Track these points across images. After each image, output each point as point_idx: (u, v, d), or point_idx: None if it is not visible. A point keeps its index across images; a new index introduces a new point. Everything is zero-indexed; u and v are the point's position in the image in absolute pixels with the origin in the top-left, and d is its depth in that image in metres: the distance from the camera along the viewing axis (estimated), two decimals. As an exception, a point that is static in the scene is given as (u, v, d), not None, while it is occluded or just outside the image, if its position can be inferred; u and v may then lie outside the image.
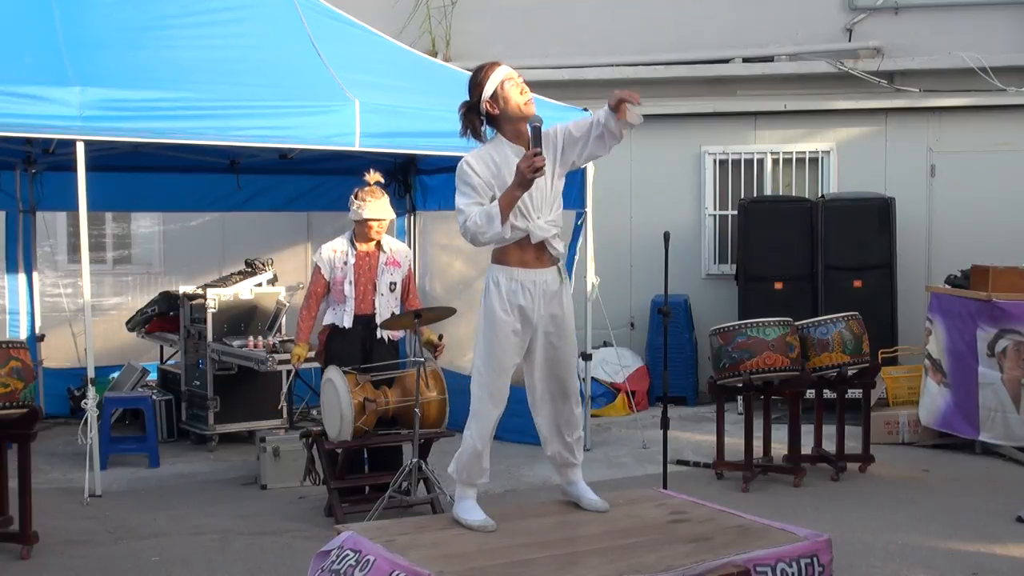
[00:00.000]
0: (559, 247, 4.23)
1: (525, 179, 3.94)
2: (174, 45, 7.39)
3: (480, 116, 4.22)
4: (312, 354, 6.86)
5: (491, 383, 4.23)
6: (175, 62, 7.22)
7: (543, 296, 4.21)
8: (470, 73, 4.32)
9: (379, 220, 6.48)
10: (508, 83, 4.16)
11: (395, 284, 6.58)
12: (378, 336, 6.52)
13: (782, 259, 9.74)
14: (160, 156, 8.57)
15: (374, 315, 6.49)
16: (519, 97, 4.16)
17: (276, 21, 7.87)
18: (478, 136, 4.25)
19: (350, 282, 6.48)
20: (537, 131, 3.99)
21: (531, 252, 4.18)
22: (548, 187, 4.18)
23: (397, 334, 6.68)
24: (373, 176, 6.54)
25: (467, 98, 4.23)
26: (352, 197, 6.51)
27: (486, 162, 4.13)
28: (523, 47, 11.40)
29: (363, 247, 6.54)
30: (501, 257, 4.21)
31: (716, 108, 10.94)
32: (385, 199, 6.52)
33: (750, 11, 11.18)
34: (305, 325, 6.60)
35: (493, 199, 4.07)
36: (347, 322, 6.48)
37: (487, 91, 4.16)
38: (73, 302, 9.92)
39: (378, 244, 6.57)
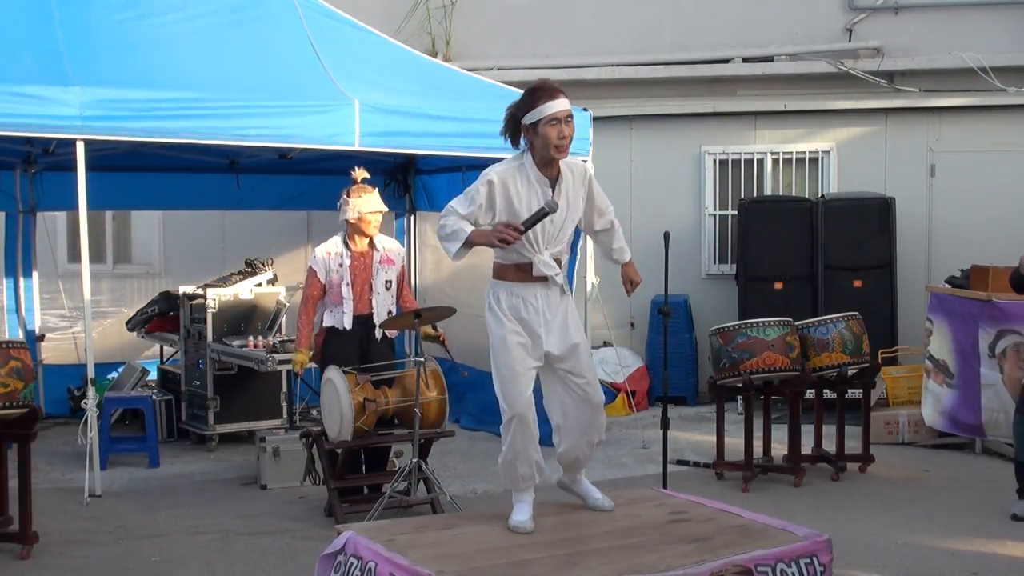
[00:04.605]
0: (559, 279, 4.37)
1: (493, 243, 4.14)
2: (174, 45, 7.38)
3: (519, 129, 4.28)
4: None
5: (510, 392, 4.31)
6: (175, 62, 7.22)
7: (547, 306, 4.34)
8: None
9: (375, 213, 6.47)
10: (552, 123, 4.17)
11: (390, 282, 6.58)
12: (376, 335, 6.52)
13: (782, 259, 9.73)
14: (160, 156, 8.57)
15: (371, 315, 6.50)
16: (554, 139, 4.19)
17: (276, 21, 7.86)
18: (514, 142, 4.34)
19: (347, 283, 6.47)
20: (542, 213, 4.17)
21: (530, 270, 4.31)
22: (560, 224, 4.32)
23: (394, 332, 6.68)
24: (360, 173, 6.54)
25: (517, 105, 4.28)
26: (344, 196, 6.49)
27: (508, 185, 4.22)
28: (523, 47, 11.41)
29: (357, 247, 6.53)
30: (502, 273, 4.36)
31: (716, 108, 10.92)
32: (375, 192, 6.52)
33: (750, 11, 11.18)
34: (305, 330, 6.56)
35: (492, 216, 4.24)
36: (347, 323, 6.48)
37: (530, 118, 4.20)
38: (72, 302, 9.90)
39: (371, 243, 6.57)
